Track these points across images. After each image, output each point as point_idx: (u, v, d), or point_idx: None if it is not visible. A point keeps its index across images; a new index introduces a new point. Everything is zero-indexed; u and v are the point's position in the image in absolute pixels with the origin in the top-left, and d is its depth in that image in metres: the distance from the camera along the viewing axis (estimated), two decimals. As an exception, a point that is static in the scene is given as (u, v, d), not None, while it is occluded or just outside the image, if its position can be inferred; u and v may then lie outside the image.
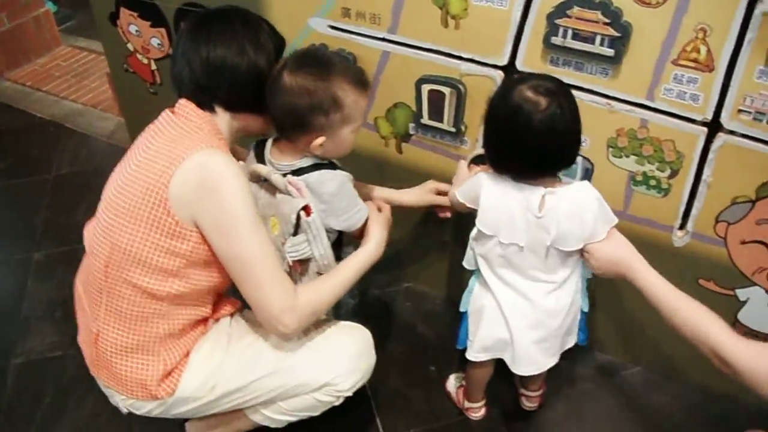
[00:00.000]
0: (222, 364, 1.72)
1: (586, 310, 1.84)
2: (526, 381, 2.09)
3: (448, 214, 2.10)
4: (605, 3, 1.67)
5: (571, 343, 1.86)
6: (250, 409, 1.82)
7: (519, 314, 1.75)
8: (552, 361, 1.84)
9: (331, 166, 1.73)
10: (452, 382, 2.20)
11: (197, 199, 1.52)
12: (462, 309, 1.88)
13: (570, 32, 1.75)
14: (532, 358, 1.80)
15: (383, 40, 2.04)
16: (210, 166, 1.52)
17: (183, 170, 1.51)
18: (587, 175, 1.95)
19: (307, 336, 1.77)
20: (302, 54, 1.69)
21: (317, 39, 2.16)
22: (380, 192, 2.05)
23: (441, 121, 2.08)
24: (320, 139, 1.64)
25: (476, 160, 2.07)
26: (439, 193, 2.06)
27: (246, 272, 1.57)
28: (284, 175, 1.67)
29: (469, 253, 1.82)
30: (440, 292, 2.56)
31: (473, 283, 1.85)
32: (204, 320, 1.76)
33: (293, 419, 1.84)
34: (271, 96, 1.64)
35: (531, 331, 1.76)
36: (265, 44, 1.64)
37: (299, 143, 1.67)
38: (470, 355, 1.87)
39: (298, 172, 1.69)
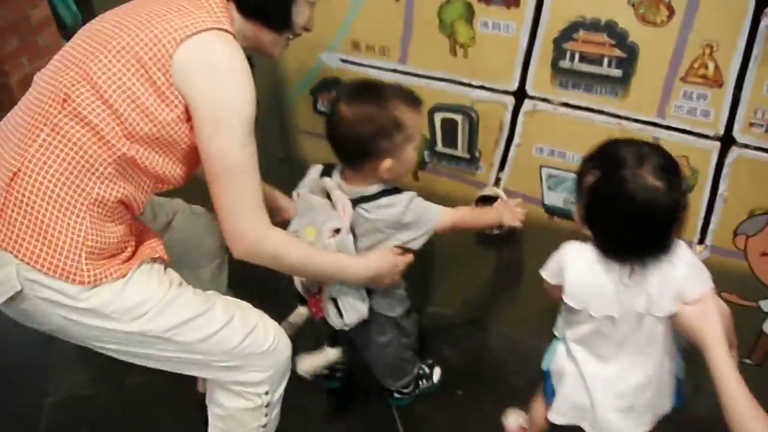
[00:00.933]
0: (166, 298, 1.55)
1: (681, 377, 1.75)
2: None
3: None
4: (610, 25, 1.71)
5: (666, 408, 1.75)
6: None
7: (602, 384, 1.70)
8: (641, 430, 1.74)
9: (396, 190, 1.78)
10: (512, 420, 2.15)
11: (202, 78, 1.44)
12: (543, 368, 1.86)
13: (577, 55, 1.79)
14: (614, 427, 1.73)
15: (394, 71, 2.08)
16: (231, 52, 1.46)
17: (201, 38, 1.44)
18: None
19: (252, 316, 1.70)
20: (354, 86, 1.77)
21: (330, 73, 2.21)
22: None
23: (455, 148, 2.12)
24: (388, 162, 1.70)
25: (481, 200, 2.12)
26: None
27: (228, 179, 1.50)
28: (354, 202, 1.74)
29: (559, 320, 1.81)
30: (466, 315, 2.58)
31: (556, 344, 1.82)
32: (131, 220, 1.61)
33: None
34: (332, 130, 1.72)
35: (616, 399, 1.70)
36: None
37: (366, 170, 1.74)
38: (553, 417, 1.83)
39: (366, 199, 1.76)
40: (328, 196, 1.78)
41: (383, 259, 1.79)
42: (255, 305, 1.72)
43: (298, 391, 1.89)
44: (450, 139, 2.11)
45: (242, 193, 1.51)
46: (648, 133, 1.81)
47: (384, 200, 1.76)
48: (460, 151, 2.13)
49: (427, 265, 2.47)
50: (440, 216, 1.82)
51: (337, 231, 1.71)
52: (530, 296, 2.35)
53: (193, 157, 1.56)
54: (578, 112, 1.88)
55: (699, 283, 1.54)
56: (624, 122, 1.83)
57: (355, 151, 1.72)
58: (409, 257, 1.85)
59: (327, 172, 1.83)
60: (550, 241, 2.08)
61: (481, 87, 1.98)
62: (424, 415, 2.26)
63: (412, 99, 1.74)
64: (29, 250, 1.40)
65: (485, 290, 2.48)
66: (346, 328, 1.86)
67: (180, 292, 1.58)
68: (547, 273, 1.70)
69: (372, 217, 1.76)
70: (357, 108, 1.68)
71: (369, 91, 1.73)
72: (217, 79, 1.44)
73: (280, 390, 1.78)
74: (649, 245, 1.52)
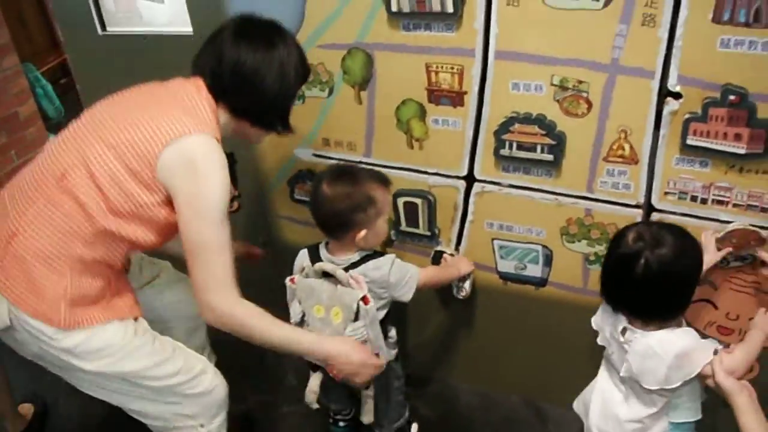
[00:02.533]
0: (128, 347, 1.77)
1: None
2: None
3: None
4: (540, 118, 1.95)
5: None
6: None
7: (600, 397, 1.85)
8: None
9: (377, 254, 2.02)
10: None
11: (183, 174, 1.65)
12: None
13: (515, 144, 2.02)
14: None
15: (360, 163, 2.27)
16: (210, 154, 1.66)
17: (182, 143, 1.63)
18: (548, 260, 2.19)
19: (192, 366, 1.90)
20: (333, 169, 2.01)
21: (304, 166, 2.42)
22: None
23: (417, 227, 2.32)
24: (363, 233, 1.94)
25: (436, 256, 2.34)
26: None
27: (204, 256, 1.68)
28: (345, 269, 1.95)
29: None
30: (436, 374, 2.72)
31: None
32: (112, 270, 1.79)
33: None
34: (315, 207, 1.96)
35: (600, 419, 1.84)
36: (298, 73, 1.82)
37: (346, 240, 1.97)
38: (575, 402, 2.01)
39: (354, 266, 1.98)
40: (323, 275, 1.98)
41: (343, 346, 1.88)
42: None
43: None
44: (412, 219, 2.32)
45: (215, 269, 1.69)
46: (580, 206, 2.03)
47: (371, 263, 1.98)
48: (422, 229, 2.33)
49: (401, 331, 2.55)
50: (417, 272, 2.05)
51: (365, 299, 1.91)
52: (492, 353, 2.54)
53: (166, 230, 1.78)
54: (520, 191, 2.09)
55: (696, 361, 1.63)
56: (560, 198, 2.05)
57: (336, 224, 1.96)
58: (380, 362, 1.98)
59: (314, 254, 2.05)
60: (504, 304, 2.31)
61: (436, 174, 2.20)
62: None
63: (382, 179, 1.99)
64: (19, 295, 1.67)
65: (451, 350, 2.63)
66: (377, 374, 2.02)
67: (143, 341, 1.81)
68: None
69: (366, 280, 1.95)
70: (337, 188, 1.93)
71: (346, 173, 1.98)
72: (196, 176, 1.65)
73: (216, 423, 1.98)
74: (630, 305, 1.69)
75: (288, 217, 2.61)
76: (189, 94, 1.73)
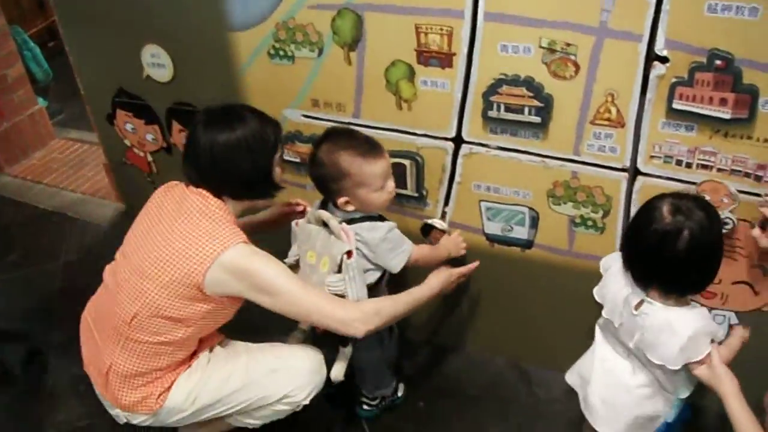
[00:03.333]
0: (201, 382, 1.99)
1: (669, 420, 1.85)
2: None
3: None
4: (528, 80, 1.95)
5: (656, 423, 1.86)
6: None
7: (602, 368, 1.86)
8: (603, 430, 1.87)
9: (380, 218, 2.04)
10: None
11: (236, 283, 1.82)
12: None
13: (503, 106, 2.03)
14: (596, 412, 1.87)
15: (349, 124, 2.29)
16: (241, 262, 1.81)
17: (218, 265, 1.79)
18: (534, 222, 2.21)
19: (268, 359, 2.06)
20: (327, 133, 2.03)
21: (292, 127, 2.42)
22: None
23: (405, 188, 2.33)
24: (342, 199, 1.97)
25: (425, 228, 2.33)
26: None
27: (305, 310, 1.87)
28: (340, 222, 1.97)
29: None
30: (423, 335, 2.75)
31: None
32: (196, 351, 2.05)
33: (267, 422, 2.12)
34: (309, 165, 2.02)
35: (603, 388, 1.85)
36: (267, 141, 1.90)
37: (337, 202, 2.00)
38: (567, 374, 2.04)
39: (352, 221, 1.99)
40: (324, 224, 2.00)
41: (440, 278, 2.09)
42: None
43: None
44: (400, 180, 2.30)
45: (322, 307, 1.87)
46: (567, 168, 2.04)
47: (367, 224, 2.00)
48: (410, 190, 2.34)
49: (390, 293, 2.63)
50: (412, 248, 2.07)
51: (349, 253, 1.93)
52: (478, 315, 2.57)
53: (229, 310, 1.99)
54: (508, 153, 2.10)
55: (701, 347, 1.65)
56: (546, 160, 2.06)
57: (319, 187, 2.01)
58: (461, 270, 2.14)
59: (324, 204, 2.07)
60: (491, 265, 2.31)
61: (425, 135, 2.21)
62: (391, 425, 2.45)
63: (363, 151, 1.96)
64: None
65: (439, 312, 2.65)
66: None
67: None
68: (602, 263, 1.92)
69: (357, 238, 1.97)
70: (318, 153, 1.96)
71: (330, 140, 1.99)
72: (244, 279, 1.82)
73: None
74: (651, 278, 1.68)
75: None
76: (193, 202, 1.87)
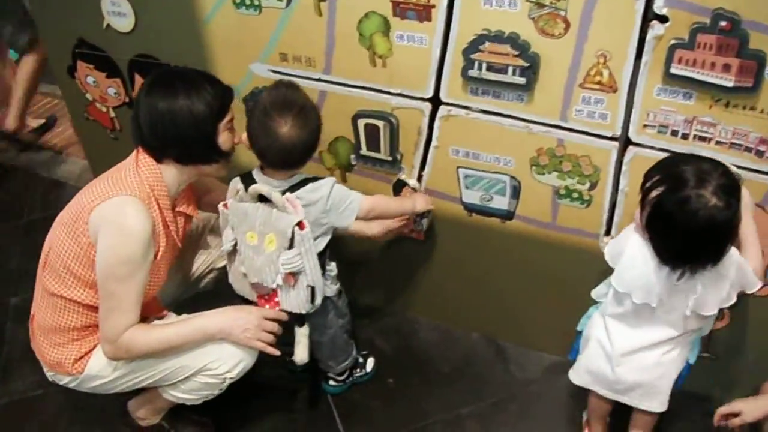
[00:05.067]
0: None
1: (692, 362, 1.90)
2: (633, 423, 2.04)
3: (422, 236, 2.29)
4: (513, 37, 1.83)
5: (667, 386, 1.88)
6: (161, 389, 2.05)
7: (624, 357, 1.83)
8: (650, 405, 1.88)
9: (315, 178, 1.93)
10: (585, 413, 2.19)
11: (103, 229, 1.78)
12: (578, 328, 1.99)
13: (485, 65, 1.91)
14: (635, 395, 1.88)
15: (319, 80, 2.18)
16: (122, 208, 1.79)
17: (104, 205, 1.79)
18: (515, 192, 2.10)
19: None
20: (279, 98, 1.88)
21: (260, 83, 2.29)
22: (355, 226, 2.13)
23: (378, 151, 2.23)
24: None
25: (396, 186, 2.26)
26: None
27: (102, 298, 1.84)
28: (282, 193, 1.86)
29: (601, 289, 1.90)
30: (395, 308, 2.69)
31: (593, 311, 1.95)
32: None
33: (199, 397, 2.05)
34: (258, 137, 1.87)
35: (634, 373, 1.84)
36: (211, 108, 1.82)
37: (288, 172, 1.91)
38: (572, 376, 1.98)
39: (292, 189, 1.89)
40: (259, 199, 1.88)
41: (232, 313, 1.95)
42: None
43: (238, 383, 2.02)
44: (373, 143, 2.21)
45: (109, 309, 1.84)
46: (553, 135, 1.94)
47: (309, 186, 1.90)
48: (383, 154, 2.23)
49: (356, 258, 2.56)
50: (360, 198, 1.97)
51: (301, 224, 1.82)
52: (453, 288, 2.49)
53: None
54: (489, 117, 1.99)
55: (749, 283, 1.69)
56: (531, 125, 1.95)
57: (283, 162, 1.90)
58: (273, 326, 1.96)
59: (248, 179, 1.95)
60: (468, 237, 2.24)
61: (400, 95, 2.08)
62: (358, 402, 2.37)
63: (317, 111, 1.92)
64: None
65: (411, 283, 2.58)
66: (312, 311, 1.97)
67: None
68: (608, 252, 1.82)
69: (303, 203, 1.86)
70: (289, 126, 1.82)
71: (293, 106, 1.85)
72: (109, 227, 1.79)
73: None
74: (704, 258, 1.62)
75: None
76: (126, 166, 1.88)
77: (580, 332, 1.98)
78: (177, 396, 2.04)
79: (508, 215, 2.18)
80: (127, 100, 2.75)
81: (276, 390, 2.37)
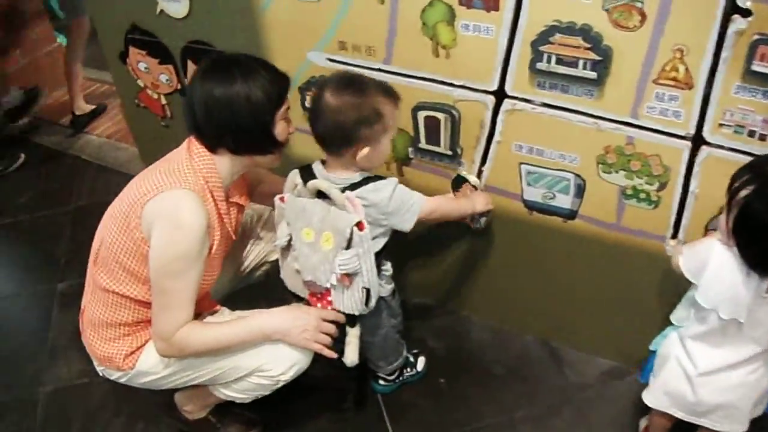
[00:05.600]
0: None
1: None
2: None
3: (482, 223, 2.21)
4: (585, 29, 1.75)
5: (758, 412, 1.83)
6: (212, 386, 2.02)
7: (708, 377, 1.75)
8: (731, 427, 1.81)
9: (379, 177, 1.87)
10: (643, 420, 2.15)
11: (157, 223, 1.73)
12: (652, 348, 1.91)
13: (554, 58, 1.83)
14: (717, 417, 1.80)
15: (379, 70, 2.11)
16: (176, 202, 1.74)
17: (157, 198, 1.74)
18: (579, 191, 2.02)
19: None
20: (338, 77, 1.85)
21: (317, 71, 2.24)
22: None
23: (438, 145, 2.16)
24: (365, 150, 1.79)
25: (456, 182, 2.19)
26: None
27: (155, 294, 1.80)
28: (342, 190, 1.81)
29: (681, 312, 1.83)
30: (448, 306, 2.63)
31: (670, 330, 1.86)
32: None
33: (250, 397, 2.02)
34: (316, 117, 1.83)
35: (716, 395, 1.76)
36: (269, 96, 1.77)
37: (346, 157, 1.82)
38: (647, 398, 1.91)
39: (353, 187, 1.83)
40: (317, 194, 1.83)
41: (289, 313, 1.91)
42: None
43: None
44: (433, 136, 2.15)
45: (160, 307, 1.82)
46: (622, 132, 1.85)
47: (371, 185, 1.83)
48: (443, 147, 2.16)
49: (410, 256, 2.52)
50: (421, 200, 1.90)
51: (360, 224, 1.77)
52: (509, 288, 2.42)
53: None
54: (555, 112, 1.91)
55: None
56: (599, 122, 1.87)
57: (338, 138, 1.80)
58: (330, 327, 1.92)
59: (307, 173, 1.90)
60: (528, 236, 2.18)
61: (463, 86, 2.01)
62: (408, 402, 2.32)
63: (391, 92, 1.85)
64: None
65: (466, 282, 2.51)
66: (365, 312, 1.92)
67: None
68: (687, 266, 1.72)
69: (363, 203, 1.81)
70: (341, 97, 1.77)
71: (353, 82, 1.82)
72: (164, 223, 1.75)
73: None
74: None
75: (298, 128, 2.41)
76: (178, 156, 1.83)
77: (653, 352, 1.89)
78: (227, 394, 2.01)
79: (571, 214, 2.10)
80: (179, 87, 2.72)
81: (324, 388, 2.33)
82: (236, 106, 1.74)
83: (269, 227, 2.26)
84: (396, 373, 2.30)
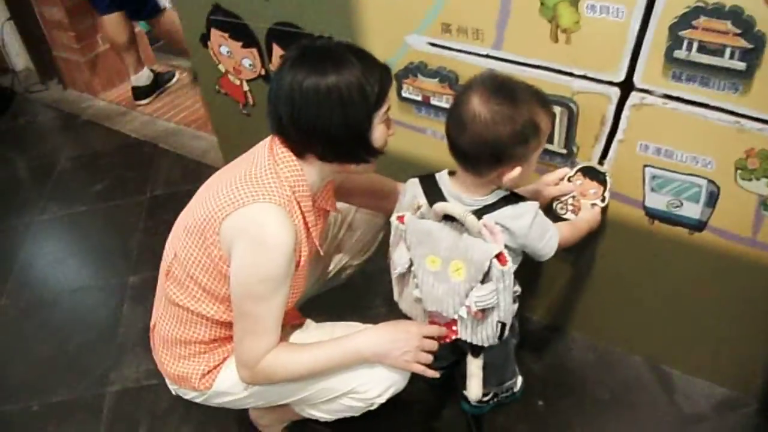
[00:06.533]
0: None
1: None
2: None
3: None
4: (736, 11, 1.51)
5: None
6: (297, 407, 1.90)
7: None
8: None
9: (517, 198, 1.67)
10: None
11: (238, 242, 1.56)
12: None
13: (695, 44, 1.59)
14: None
15: (487, 56, 1.91)
16: (260, 219, 1.55)
17: (239, 213, 1.55)
18: (712, 199, 1.80)
19: None
20: (488, 79, 1.61)
21: (416, 57, 2.06)
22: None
23: (551, 141, 1.94)
24: (517, 170, 1.59)
25: (585, 171, 1.95)
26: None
27: (237, 317, 1.64)
28: (478, 214, 1.60)
29: None
30: (549, 322, 2.45)
31: None
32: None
33: (338, 417, 1.87)
34: (458, 128, 1.58)
35: None
36: (367, 94, 1.54)
37: (490, 176, 1.61)
38: None
39: (487, 210, 1.63)
40: (447, 219, 1.63)
41: (387, 328, 1.75)
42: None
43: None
44: None
45: (247, 332, 1.66)
46: None
47: (509, 210, 1.63)
48: (556, 145, 1.95)
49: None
50: (557, 233, 1.71)
51: (501, 256, 1.56)
52: (616, 303, 2.22)
53: None
54: (691, 108, 1.69)
55: None
56: (743, 121, 1.63)
57: (486, 155, 1.57)
58: (432, 344, 1.74)
59: (431, 188, 1.70)
60: (646, 247, 1.99)
61: (584, 77, 1.80)
62: (502, 426, 2.15)
63: (547, 100, 1.65)
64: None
65: (570, 295, 2.33)
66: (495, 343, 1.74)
67: None
68: None
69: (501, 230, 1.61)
70: (492, 105, 1.53)
71: (504, 87, 1.58)
72: (247, 242, 1.57)
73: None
74: None
75: (394, 119, 2.28)
76: (261, 159, 1.64)
77: None
78: (312, 414, 1.87)
79: (699, 225, 1.87)
80: (263, 72, 2.58)
81: (410, 406, 2.18)
82: (327, 109, 1.51)
83: (354, 230, 2.10)
84: (491, 394, 2.10)
